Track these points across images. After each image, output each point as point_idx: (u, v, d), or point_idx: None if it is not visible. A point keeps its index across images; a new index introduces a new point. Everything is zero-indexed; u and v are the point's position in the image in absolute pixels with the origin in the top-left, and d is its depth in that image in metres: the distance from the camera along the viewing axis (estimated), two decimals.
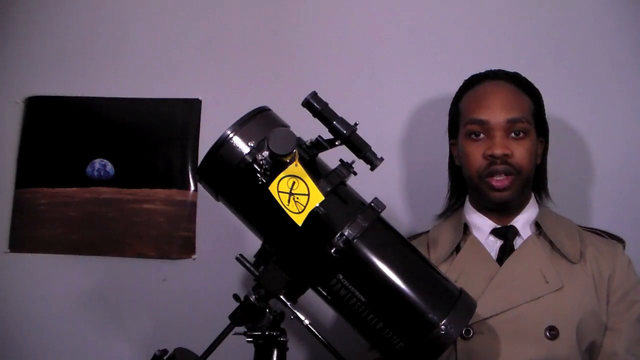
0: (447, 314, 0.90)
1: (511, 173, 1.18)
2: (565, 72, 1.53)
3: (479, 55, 1.52)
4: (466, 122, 1.22)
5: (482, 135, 1.20)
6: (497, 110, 1.19)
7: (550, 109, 1.29)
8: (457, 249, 1.24)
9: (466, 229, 1.26)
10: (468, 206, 1.28)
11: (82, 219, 1.64)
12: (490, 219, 1.24)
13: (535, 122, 1.23)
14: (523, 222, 1.24)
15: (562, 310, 1.13)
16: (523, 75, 1.26)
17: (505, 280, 1.16)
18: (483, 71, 1.27)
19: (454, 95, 1.30)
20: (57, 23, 1.69)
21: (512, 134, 1.19)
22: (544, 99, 1.27)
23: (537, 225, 1.23)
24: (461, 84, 1.29)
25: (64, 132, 1.67)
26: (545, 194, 1.30)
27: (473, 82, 1.26)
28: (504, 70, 1.26)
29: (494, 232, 1.24)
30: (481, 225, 1.25)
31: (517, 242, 1.22)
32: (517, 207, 1.24)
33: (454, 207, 1.33)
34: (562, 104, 1.47)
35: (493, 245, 1.23)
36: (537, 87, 1.26)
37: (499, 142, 1.17)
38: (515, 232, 1.23)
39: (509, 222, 1.24)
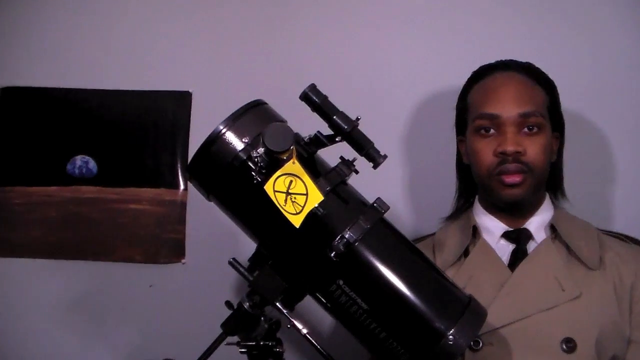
0: (455, 323, 0.90)
1: (524, 171, 1.18)
2: (583, 61, 1.53)
3: (489, 44, 1.53)
4: (475, 116, 1.22)
5: (492, 130, 1.20)
6: (508, 104, 1.19)
7: (567, 102, 1.30)
8: (466, 253, 1.24)
9: (475, 231, 1.26)
10: (477, 207, 1.29)
11: (62, 221, 1.64)
12: (501, 221, 1.25)
13: (550, 116, 1.23)
14: (537, 224, 1.24)
15: (579, 320, 1.12)
16: (536, 66, 1.26)
17: (517, 287, 1.17)
18: (493, 62, 1.28)
19: (461, 88, 1.30)
20: (37, 9, 1.69)
21: (525, 129, 1.19)
22: (559, 91, 1.27)
23: (553, 228, 1.23)
24: (469, 75, 1.30)
25: (42, 126, 1.67)
26: (561, 194, 1.31)
27: (482, 74, 1.26)
28: (515, 61, 1.27)
29: (506, 235, 1.24)
30: (492, 227, 1.25)
31: (531, 246, 1.22)
32: (530, 208, 1.24)
33: (462, 208, 1.34)
34: (579, 96, 1.47)
35: (504, 249, 1.23)
36: (551, 78, 1.26)
37: (510, 138, 1.18)
38: (528, 236, 1.23)
39: (521, 225, 1.24)
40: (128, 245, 1.63)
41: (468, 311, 0.93)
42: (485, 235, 1.25)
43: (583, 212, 1.30)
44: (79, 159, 1.65)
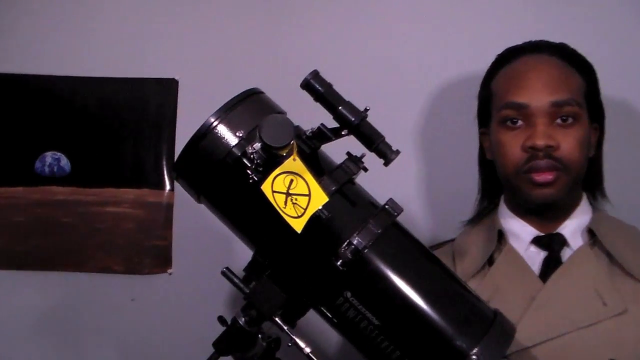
0: (479, 341, 0.90)
1: (557, 168, 1.18)
2: (626, 41, 1.52)
3: (516, 23, 1.53)
4: (500, 106, 1.23)
5: (520, 122, 1.21)
6: (538, 91, 1.19)
7: (608, 88, 1.30)
8: (490, 261, 1.25)
9: (501, 237, 1.27)
10: (503, 209, 1.29)
11: (29, 226, 1.65)
12: (531, 225, 1.25)
13: (588, 104, 1.23)
14: (572, 228, 1.24)
15: (625, 339, 1.12)
16: (571, 47, 1.27)
17: (550, 300, 1.17)
18: (521, 43, 1.28)
19: (484, 74, 1.31)
20: None
21: (558, 121, 1.19)
22: (598, 75, 1.27)
23: (591, 233, 1.23)
24: (494, 59, 1.30)
25: (6, 117, 1.68)
26: (600, 194, 1.31)
27: (508, 57, 1.27)
28: (547, 41, 1.27)
29: (536, 241, 1.25)
30: (520, 232, 1.26)
31: (565, 254, 1.23)
32: (564, 210, 1.25)
33: (485, 210, 1.34)
34: (621, 81, 1.47)
35: (535, 257, 1.24)
36: (589, 61, 1.26)
37: (541, 130, 1.18)
38: (562, 241, 1.24)
39: (554, 229, 1.25)
40: (106, 254, 1.64)
41: (494, 328, 0.93)
42: (513, 241, 1.25)
43: (627, 214, 1.30)
44: (49, 156, 1.66)
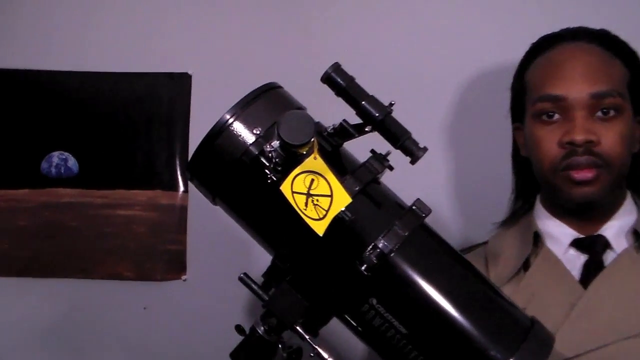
0: (514, 351, 0.90)
1: (597, 165, 1.18)
2: None
3: (552, 9, 1.53)
4: (535, 99, 1.23)
5: (556, 115, 1.21)
6: (576, 82, 1.19)
7: None
8: (526, 265, 1.25)
9: (537, 239, 1.27)
10: (540, 210, 1.30)
11: (35, 230, 1.67)
12: (570, 226, 1.25)
13: (632, 96, 1.23)
14: (616, 230, 1.24)
15: None
16: (613, 34, 1.26)
17: (592, 308, 1.17)
18: (557, 30, 1.28)
19: (518, 64, 1.31)
20: None
21: (599, 114, 1.19)
22: None
23: (637, 235, 1.23)
24: (528, 48, 1.30)
25: (10, 116, 1.69)
26: None
27: (544, 46, 1.27)
28: (586, 28, 1.27)
29: (576, 244, 1.25)
30: (558, 234, 1.26)
31: (608, 258, 1.22)
32: (606, 211, 1.25)
33: (520, 211, 1.34)
34: None
35: (574, 261, 1.24)
36: (634, 48, 1.26)
37: (580, 124, 1.18)
38: (605, 244, 1.23)
39: (595, 231, 1.24)
40: (116, 260, 1.66)
41: (530, 337, 0.93)
42: (550, 244, 1.25)
43: None
44: (55, 156, 1.68)
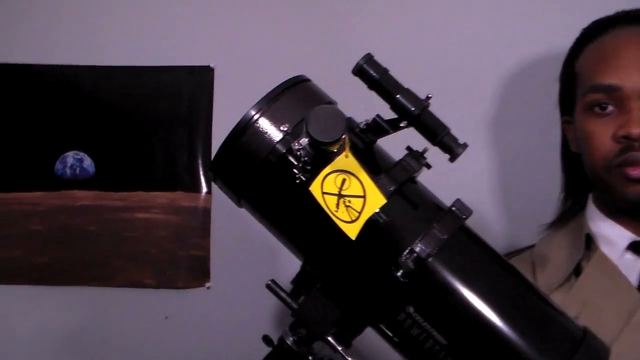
0: None
1: None
2: None
3: None
4: (587, 89, 1.22)
5: (610, 107, 1.20)
6: (633, 71, 1.19)
7: None
8: (577, 271, 1.25)
9: (590, 242, 1.26)
10: (592, 210, 1.29)
11: (49, 235, 1.69)
12: (626, 228, 1.25)
13: None
14: None
15: None
16: None
17: None
18: (611, 14, 1.27)
19: (567, 52, 1.30)
20: None
21: None
22: None
23: None
24: (578, 34, 1.30)
25: (23, 114, 1.71)
26: None
27: (596, 31, 1.26)
28: None
29: (634, 247, 1.24)
30: (613, 236, 1.25)
31: None
32: None
33: (570, 211, 1.34)
34: None
35: (632, 265, 1.23)
36: None
37: (637, 117, 1.17)
38: None
39: None
40: (136, 266, 1.67)
41: (582, 349, 0.92)
42: (604, 247, 1.25)
43: None
44: (70, 156, 1.70)
